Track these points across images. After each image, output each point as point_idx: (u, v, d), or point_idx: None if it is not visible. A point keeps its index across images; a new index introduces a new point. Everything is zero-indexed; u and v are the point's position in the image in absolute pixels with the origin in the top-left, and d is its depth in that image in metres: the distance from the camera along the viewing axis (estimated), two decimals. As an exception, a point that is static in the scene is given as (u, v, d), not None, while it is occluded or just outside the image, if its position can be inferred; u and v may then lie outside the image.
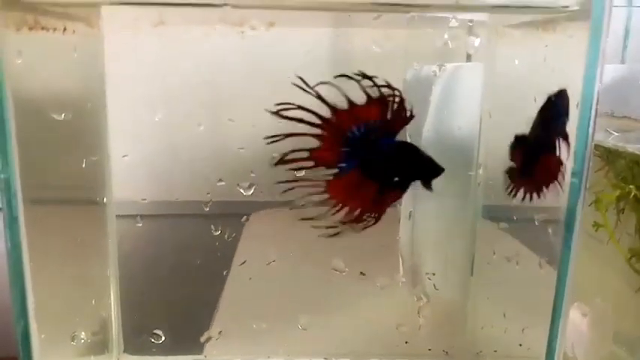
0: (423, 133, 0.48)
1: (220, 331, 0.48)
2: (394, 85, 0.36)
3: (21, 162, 0.30)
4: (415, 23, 0.41)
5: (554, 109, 0.34)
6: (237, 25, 0.30)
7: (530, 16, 0.34)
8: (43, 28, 0.31)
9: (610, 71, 0.60)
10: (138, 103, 0.45)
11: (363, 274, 0.52)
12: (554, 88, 0.36)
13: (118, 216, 0.47)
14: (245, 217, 0.47)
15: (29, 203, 0.31)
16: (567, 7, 0.29)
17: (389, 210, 0.52)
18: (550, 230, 0.36)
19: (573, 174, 0.32)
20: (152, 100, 0.44)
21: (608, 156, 0.42)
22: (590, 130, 0.31)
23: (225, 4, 0.27)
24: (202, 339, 0.47)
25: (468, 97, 0.47)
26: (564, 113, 0.33)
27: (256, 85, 0.44)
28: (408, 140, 0.49)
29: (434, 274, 0.51)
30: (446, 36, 0.40)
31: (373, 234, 0.51)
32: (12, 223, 0.31)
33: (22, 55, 0.31)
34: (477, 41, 0.40)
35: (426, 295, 0.52)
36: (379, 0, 0.30)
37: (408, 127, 0.49)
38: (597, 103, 0.31)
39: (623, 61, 0.70)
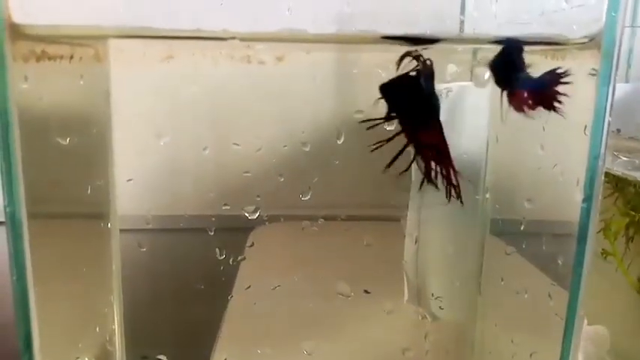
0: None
1: (225, 358, 0.47)
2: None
3: (26, 188, 0.30)
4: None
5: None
6: (245, 60, 0.30)
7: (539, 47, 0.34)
8: (49, 59, 0.31)
9: (615, 89, 0.61)
10: (143, 127, 0.45)
11: (368, 292, 0.52)
12: (563, 114, 0.35)
13: (121, 236, 0.47)
14: (251, 242, 0.46)
15: (34, 229, 0.31)
16: (577, 41, 0.29)
17: (396, 233, 0.51)
18: (559, 256, 0.35)
19: (583, 199, 0.32)
20: (158, 124, 0.44)
21: (617, 183, 0.41)
22: (601, 155, 0.31)
23: (233, 38, 0.27)
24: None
25: (475, 118, 0.47)
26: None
27: (262, 109, 0.44)
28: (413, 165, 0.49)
29: (440, 298, 0.50)
30: (449, 66, 0.40)
31: (379, 257, 0.51)
32: (17, 254, 0.30)
33: (28, 81, 0.30)
34: (486, 74, 0.40)
35: (431, 315, 0.51)
36: (387, 34, 0.30)
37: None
38: (608, 130, 0.30)
39: (627, 80, 0.70)
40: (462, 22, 0.40)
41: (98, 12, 0.29)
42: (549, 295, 0.37)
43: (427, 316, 0.52)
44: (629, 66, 0.70)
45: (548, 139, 0.38)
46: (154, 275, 0.51)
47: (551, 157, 0.38)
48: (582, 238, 0.32)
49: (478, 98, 0.47)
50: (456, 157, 0.48)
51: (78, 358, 0.41)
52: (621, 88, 0.61)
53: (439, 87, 0.47)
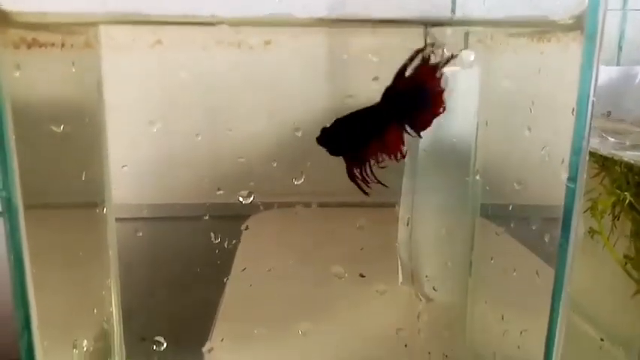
0: (420, 140, 0.48)
1: (222, 339, 0.48)
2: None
3: (21, 175, 0.31)
4: (411, 32, 0.41)
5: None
6: (234, 44, 0.30)
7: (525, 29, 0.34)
8: (41, 46, 0.31)
9: (606, 73, 0.61)
10: (136, 113, 0.45)
11: (363, 276, 0.52)
12: (549, 96, 0.36)
13: (118, 224, 0.47)
14: (245, 225, 0.47)
15: (30, 215, 0.32)
16: (560, 22, 0.30)
17: (388, 214, 0.52)
18: (547, 235, 0.36)
19: (569, 179, 0.32)
20: (150, 111, 0.45)
21: (604, 163, 0.42)
22: (585, 135, 0.31)
23: (222, 23, 0.27)
24: (204, 349, 0.47)
25: (466, 102, 0.48)
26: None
27: (254, 95, 0.44)
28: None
29: (432, 278, 0.51)
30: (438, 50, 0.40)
31: (372, 239, 0.52)
32: (14, 238, 0.31)
33: (20, 69, 0.31)
34: (472, 56, 0.40)
35: (425, 297, 0.52)
36: (377, 17, 0.31)
37: (405, 135, 0.50)
38: (592, 111, 0.31)
39: (618, 63, 0.71)
40: (452, 10, 0.40)
41: (87, -1, 0.29)
42: (537, 273, 0.38)
43: (421, 297, 0.53)
44: (620, 49, 0.70)
45: (535, 121, 0.38)
46: (151, 260, 0.52)
47: (538, 140, 0.38)
48: (568, 217, 0.33)
49: (469, 83, 0.47)
50: (447, 140, 0.48)
51: (76, 340, 0.42)
52: (612, 72, 0.62)
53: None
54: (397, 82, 0.36)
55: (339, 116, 0.36)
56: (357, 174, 0.38)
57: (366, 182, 0.38)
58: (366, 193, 0.38)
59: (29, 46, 0.30)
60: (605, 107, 0.57)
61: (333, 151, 0.37)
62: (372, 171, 0.38)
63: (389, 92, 0.36)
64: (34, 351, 0.33)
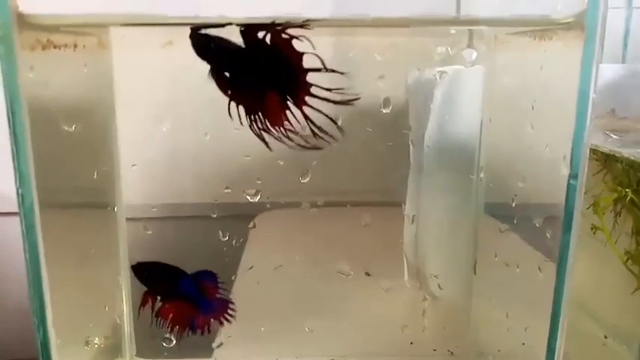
0: (425, 138, 0.49)
1: (230, 336, 0.49)
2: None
3: (35, 173, 0.31)
4: (416, 31, 0.42)
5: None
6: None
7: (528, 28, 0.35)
8: (55, 47, 0.32)
9: (611, 71, 0.61)
10: (146, 114, 0.46)
11: (369, 274, 0.53)
12: (551, 95, 0.36)
13: (128, 222, 0.48)
14: (252, 222, 0.48)
15: (43, 213, 0.32)
16: (562, 21, 0.30)
17: (394, 212, 0.53)
18: (549, 231, 0.36)
19: (571, 176, 0.33)
20: (160, 110, 0.46)
21: (606, 160, 0.42)
22: (586, 133, 0.31)
23: (230, 24, 0.28)
24: (213, 344, 0.48)
25: (470, 100, 0.48)
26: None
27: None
28: (411, 147, 0.50)
29: (437, 277, 0.52)
30: (442, 49, 0.41)
31: (378, 236, 0.52)
32: (29, 234, 0.32)
33: (34, 70, 0.32)
34: (473, 54, 0.41)
35: (431, 295, 0.53)
36: (379, 16, 0.31)
37: (410, 133, 0.51)
38: (592, 108, 0.31)
39: (623, 61, 0.71)
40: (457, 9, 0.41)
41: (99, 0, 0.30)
42: (540, 270, 0.38)
43: (427, 295, 0.53)
44: (625, 47, 0.71)
45: (538, 119, 0.39)
46: (161, 257, 0.52)
47: (542, 138, 0.39)
48: (569, 214, 0.33)
49: (473, 81, 0.48)
50: (451, 138, 0.49)
51: (89, 337, 0.43)
52: (617, 69, 0.62)
53: (434, 70, 0.49)
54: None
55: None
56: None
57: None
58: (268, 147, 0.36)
59: (44, 48, 0.31)
60: (609, 105, 0.58)
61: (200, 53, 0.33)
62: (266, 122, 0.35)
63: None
64: (50, 346, 0.34)
